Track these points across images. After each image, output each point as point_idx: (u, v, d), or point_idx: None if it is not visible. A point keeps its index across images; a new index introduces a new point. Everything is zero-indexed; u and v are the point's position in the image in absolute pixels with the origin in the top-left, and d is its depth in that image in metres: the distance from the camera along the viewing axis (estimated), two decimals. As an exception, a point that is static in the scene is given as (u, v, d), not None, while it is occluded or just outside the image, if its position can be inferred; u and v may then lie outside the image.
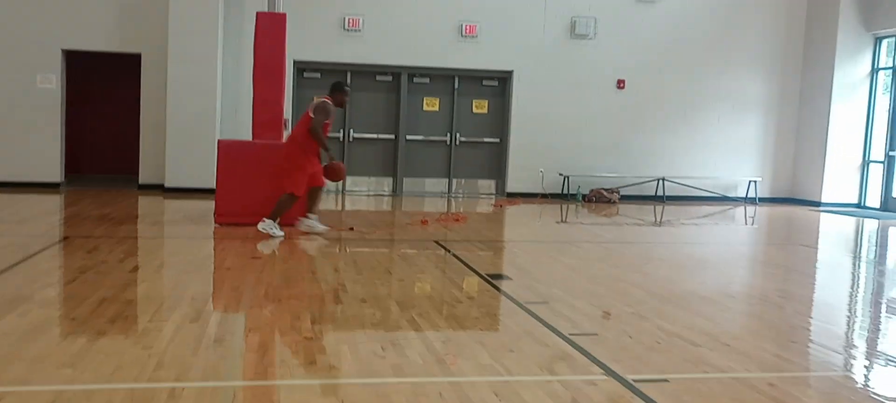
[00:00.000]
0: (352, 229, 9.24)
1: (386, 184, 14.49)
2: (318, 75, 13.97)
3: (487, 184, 14.87)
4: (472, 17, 14.14)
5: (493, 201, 13.89)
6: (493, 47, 14.25)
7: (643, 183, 14.88)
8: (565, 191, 14.53)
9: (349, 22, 13.79)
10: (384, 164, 14.46)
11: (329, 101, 8.54)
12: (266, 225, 8.32)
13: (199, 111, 12.49)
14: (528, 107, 14.45)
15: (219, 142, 9.62)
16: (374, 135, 14.36)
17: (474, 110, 14.64)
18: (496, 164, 14.69)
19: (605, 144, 14.73)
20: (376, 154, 14.43)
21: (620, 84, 14.76)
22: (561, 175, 14.53)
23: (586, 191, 14.46)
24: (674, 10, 14.75)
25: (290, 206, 8.56)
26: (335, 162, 8.59)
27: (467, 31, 14.14)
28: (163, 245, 8.41)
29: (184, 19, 12.41)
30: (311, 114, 8.39)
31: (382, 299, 5.64)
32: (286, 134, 9.62)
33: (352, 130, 14.19)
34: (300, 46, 13.14)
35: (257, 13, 9.87)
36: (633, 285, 6.50)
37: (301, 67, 13.85)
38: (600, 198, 14.28)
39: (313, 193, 8.74)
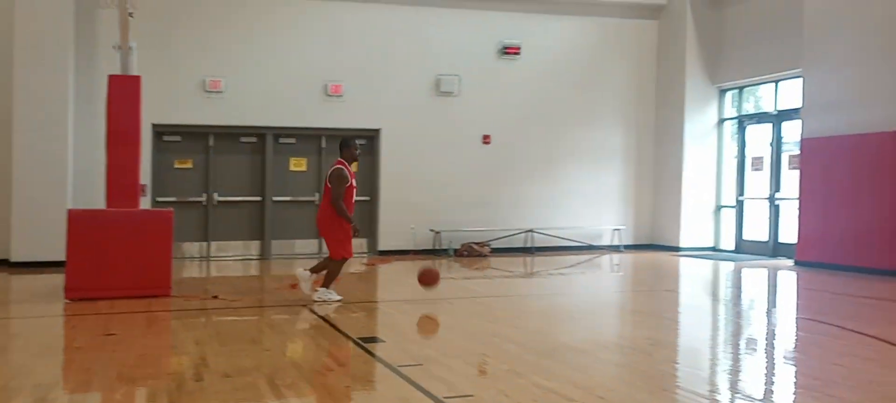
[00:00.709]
0: (216, 297, 8.80)
1: (253, 247, 14.02)
2: (179, 138, 13.46)
3: (359, 244, 14.66)
4: (336, 76, 14.06)
5: (365, 260, 13.69)
6: (360, 106, 14.20)
7: (512, 235, 15.09)
8: (437, 247, 14.52)
9: (210, 83, 13.39)
10: (251, 227, 14.01)
11: (342, 165, 8.42)
12: (321, 294, 8.39)
13: (48, 179, 11.66)
14: (397, 164, 14.44)
15: (69, 211, 8.98)
16: (240, 198, 13.91)
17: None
18: (367, 222, 14.52)
19: (473, 198, 14.88)
20: (242, 217, 13.97)
21: (486, 139, 15.00)
22: (432, 230, 14.53)
23: (458, 246, 14.51)
24: (535, 66, 15.21)
25: (338, 270, 8.58)
26: (430, 269, 8.87)
27: (332, 90, 14.04)
28: (6, 326, 7.70)
29: (29, 86, 11.62)
30: (330, 185, 8.31)
31: (247, 372, 5.32)
32: (144, 200, 9.13)
33: (216, 194, 13.69)
34: (159, 109, 12.63)
35: (109, 76, 9.37)
36: (508, 340, 6.47)
37: (160, 131, 13.29)
38: (472, 252, 14.36)
39: (337, 265, 8.59)
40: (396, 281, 11.25)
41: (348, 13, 14.18)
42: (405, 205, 14.42)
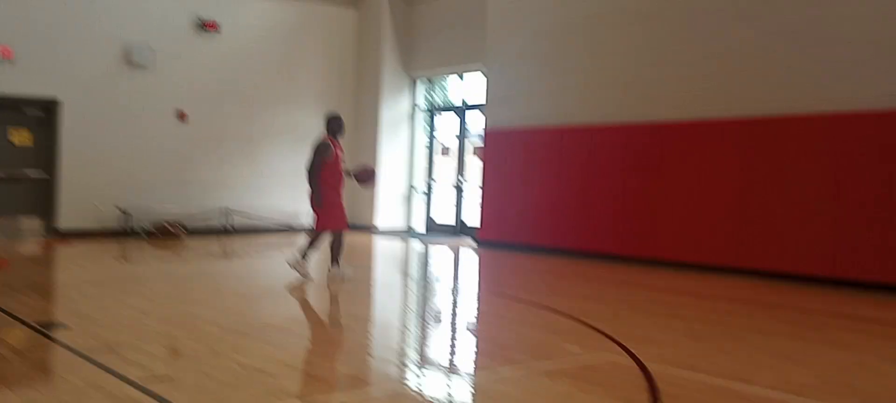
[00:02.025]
0: None
1: None
2: None
3: (33, 223, 13.31)
4: (5, 37, 12.59)
5: (42, 240, 12.47)
6: (35, 72, 12.86)
7: (209, 216, 14.67)
8: (127, 227, 13.66)
9: None
10: None
11: (328, 139, 8.48)
12: (335, 272, 8.53)
13: None
14: (81, 139, 13.32)
15: None
16: None
17: (14, 141, 13.02)
18: (43, 200, 13.22)
19: (168, 177, 14.21)
20: None
21: (182, 115, 14.39)
22: (121, 210, 13.63)
23: (150, 226, 13.78)
24: (235, 44, 14.88)
25: (316, 242, 8.64)
26: (363, 167, 8.87)
27: (2, 53, 12.55)
28: None
29: None
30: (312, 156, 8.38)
31: None
32: None
33: None
34: None
35: None
36: (206, 321, 6.34)
37: None
38: (165, 233, 13.72)
39: (337, 241, 8.66)
40: (79, 264, 10.42)
41: (22, -32, 12.78)
42: (91, 183, 13.37)
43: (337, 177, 8.59)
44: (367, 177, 9.11)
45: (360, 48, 16.57)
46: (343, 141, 8.98)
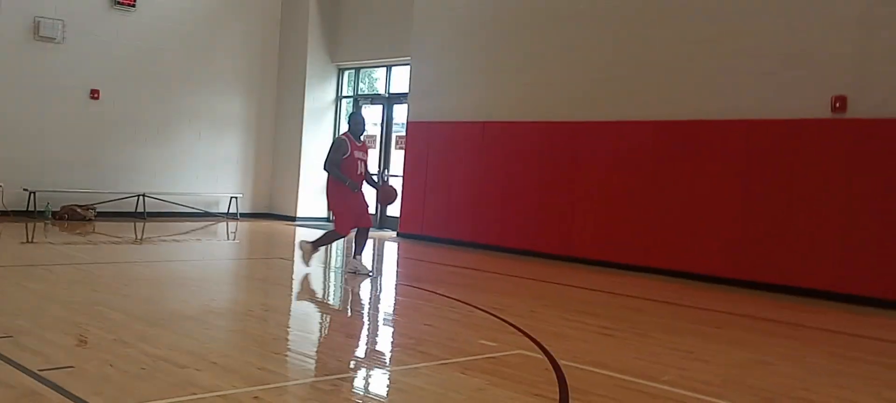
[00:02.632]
0: None
1: None
2: None
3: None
4: None
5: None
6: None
7: (122, 199, 14.25)
8: (32, 208, 13.13)
9: None
10: None
11: (344, 137, 8.51)
12: (355, 264, 8.66)
13: None
14: (-16, 115, 12.74)
15: None
16: None
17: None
18: (-58, 179, 12.61)
19: (78, 158, 13.72)
20: None
21: (94, 94, 13.91)
22: (26, 190, 13.10)
23: (57, 208, 13.28)
24: (151, 22, 14.45)
25: (331, 242, 8.85)
26: (386, 185, 7.95)
27: None
28: None
29: None
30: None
31: None
32: None
33: None
34: None
35: None
36: (114, 309, 6.16)
37: None
38: (74, 216, 13.25)
39: (360, 234, 8.62)
40: (-20, 245, 9.97)
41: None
42: (-7, 161, 12.81)
43: (352, 176, 8.49)
44: (386, 197, 9.13)
45: (284, 34, 16.32)
46: (363, 141, 8.91)
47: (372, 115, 15.98)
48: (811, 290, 8.92)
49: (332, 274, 9.68)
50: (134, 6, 14.18)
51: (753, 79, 9.58)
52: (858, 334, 7.04)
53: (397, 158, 14.87)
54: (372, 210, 8.99)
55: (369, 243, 13.05)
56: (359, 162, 8.57)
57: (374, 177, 8.82)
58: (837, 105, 8.89)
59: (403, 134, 14.47)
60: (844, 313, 8.13)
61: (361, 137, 8.74)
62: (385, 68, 15.65)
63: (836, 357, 5.96)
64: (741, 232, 9.60)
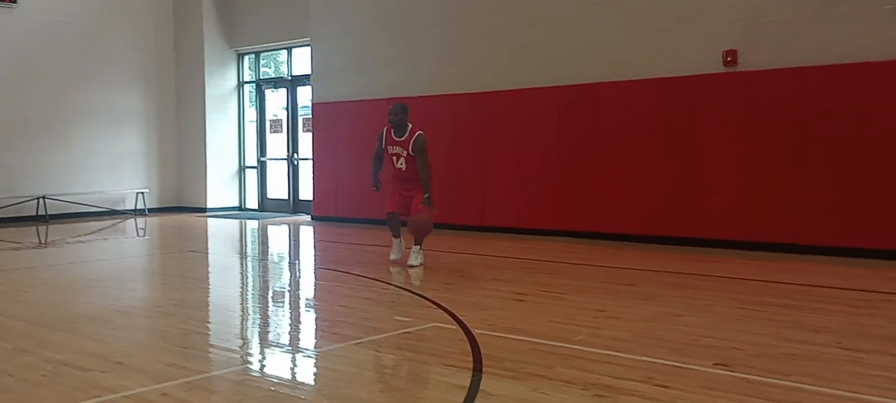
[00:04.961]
0: None
1: None
2: None
3: None
4: None
5: None
6: None
7: (22, 203, 13.65)
8: (-79, 221, 12.45)
9: None
10: None
11: (385, 128, 8.16)
12: (412, 252, 8.13)
13: None
14: None
15: None
16: None
17: None
18: None
19: (-30, 164, 13.07)
20: None
21: (-19, 97, 13.25)
22: (-87, 202, 12.41)
23: (-51, 219, 12.63)
24: (36, 18, 13.82)
25: (390, 223, 8.31)
26: (417, 217, 7.90)
27: None
28: None
29: None
30: None
31: None
32: None
33: None
34: None
35: None
36: (13, 316, 5.90)
37: None
38: (-32, 225, 12.62)
39: (412, 222, 8.03)
40: None
41: None
42: None
43: (387, 167, 8.23)
44: (417, 228, 8.08)
45: (178, 22, 15.82)
46: (395, 133, 8.15)
47: (277, 100, 15.72)
48: (719, 241, 9.24)
49: (248, 263, 9.51)
50: (16, 3, 13.51)
51: (649, 38, 9.80)
52: (765, 279, 7.33)
53: (305, 140, 14.68)
54: (412, 205, 8.18)
55: (285, 228, 12.89)
56: (393, 157, 8.15)
57: (423, 176, 8.04)
58: (729, 59, 9.19)
59: (310, 116, 14.28)
60: (751, 261, 8.45)
61: (400, 130, 8.09)
62: (286, 50, 15.37)
63: (741, 303, 6.19)
64: (649, 190, 9.85)
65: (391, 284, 7.15)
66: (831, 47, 8.54)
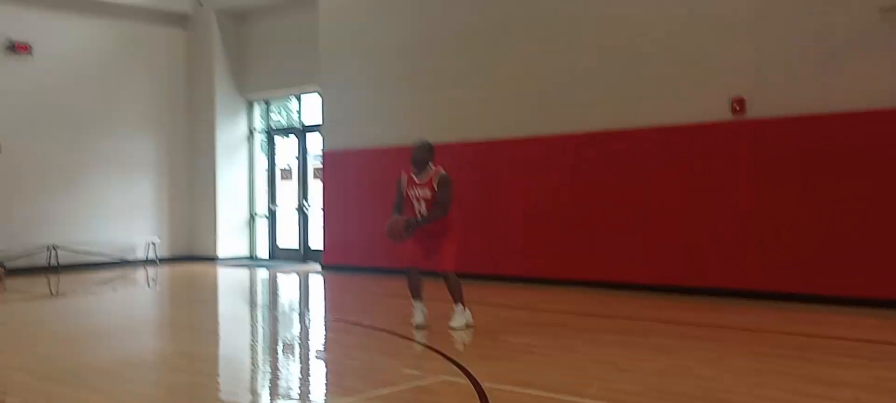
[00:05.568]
0: None
1: None
2: None
3: None
4: None
5: None
6: None
7: (33, 254, 13.67)
8: (-67, 271, 12.48)
9: None
10: None
11: (404, 172, 7.40)
12: (455, 313, 7.30)
13: None
14: None
15: None
16: None
17: None
18: None
19: (-18, 213, 13.13)
20: None
21: (-5, 145, 13.36)
22: (-75, 252, 12.45)
23: (-39, 269, 12.65)
24: (52, 68, 13.96)
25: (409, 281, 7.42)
26: (392, 220, 7.20)
27: None
28: None
29: None
30: None
31: None
32: None
33: None
34: None
35: None
36: (18, 369, 5.86)
37: None
38: (-20, 275, 12.64)
39: (445, 278, 7.33)
40: None
41: None
42: None
43: (408, 211, 7.37)
44: (392, 232, 7.31)
45: (190, 70, 15.96)
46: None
47: (287, 147, 15.79)
48: (732, 291, 9.12)
49: (257, 314, 9.47)
50: (30, 53, 13.69)
51: (655, 86, 9.81)
52: (778, 331, 7.21)
53: (315, 188, 14.70)
54: (425, 252, 7.45)
55: (294, 278, 12.85)
56: (414, 200, 7.30)
57: (427, 215, 7.28)
58: (737, 107, 9.18)
59: (319, 164, 14.31)
60: (765, 311, 8.29)
61: (422, 171, 7.32)
62: (296, 98, 15.48)
63: (755, 356, 6.08)
64: (659, 238, 9.78)
65: (400, 335, 7.08)
66: (839, 95, 8.53)
